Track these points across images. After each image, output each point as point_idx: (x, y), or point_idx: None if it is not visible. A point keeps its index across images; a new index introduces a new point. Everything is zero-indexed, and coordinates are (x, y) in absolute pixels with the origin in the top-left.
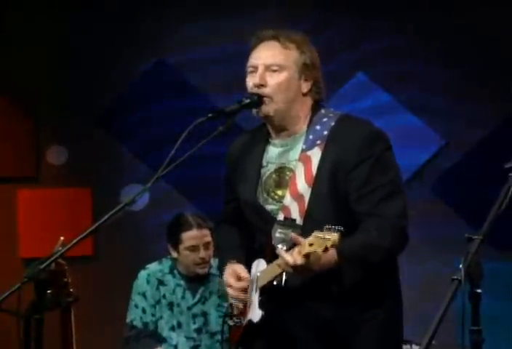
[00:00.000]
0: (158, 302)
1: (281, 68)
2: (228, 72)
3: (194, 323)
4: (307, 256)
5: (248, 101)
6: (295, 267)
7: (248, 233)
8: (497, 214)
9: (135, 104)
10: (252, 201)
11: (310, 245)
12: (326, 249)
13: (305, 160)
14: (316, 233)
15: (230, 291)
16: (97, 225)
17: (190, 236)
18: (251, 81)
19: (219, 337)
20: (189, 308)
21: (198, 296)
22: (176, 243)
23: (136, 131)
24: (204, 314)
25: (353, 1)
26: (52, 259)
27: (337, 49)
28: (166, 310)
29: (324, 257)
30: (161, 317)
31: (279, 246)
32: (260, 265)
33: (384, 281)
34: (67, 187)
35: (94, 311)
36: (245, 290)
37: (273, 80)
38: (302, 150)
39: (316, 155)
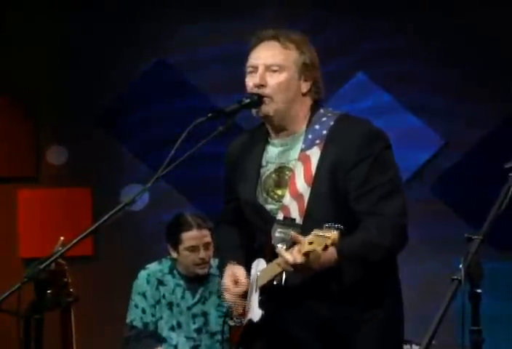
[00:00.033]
0: (158, 302)
1: (281, 68)
2: (228, 72)
3: (194, 323)
4: (306, 254)
5: (248, 101)
6: (295, 266)
7: (248, 233)
8: (497, 214)
9: (135, 104)
10: (251, 200)
11: (310, 243)
12: (325, 248)
13: (304, 159)
14: (316, 232)
15: (226, 295)
16: (97, 225)
17: (190, 236)
18: (251, 81)
19: (219, 336)
20: (189, 308)
21: (197, 296)
22: (176, 243)
23: (136, 131)
24: (204, 314)
25: (353, 1)
26: (52, 259)
27: (337, 49)
28: (166, 310)
29: (323, 256)
30: (160, 317)
31: (279, 245)
32: (260, 265)
33: (384, 279)
34: (67, 187)
35: (94, 311)
36: (242, 295)
37: (273, 80)
38: (302, 150)
39: (315, 154)
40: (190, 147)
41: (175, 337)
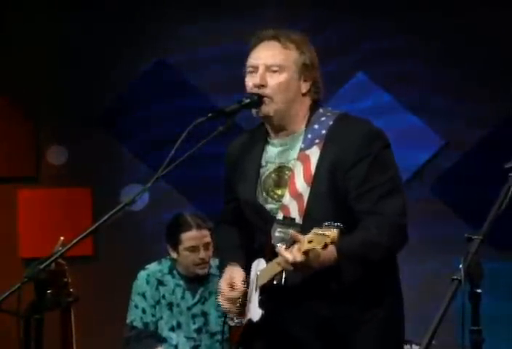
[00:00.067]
0: (158, 302)
1: (281, 69)
2: (228, 72)
3: (194, 323)
4: (306, 253)
5: (248, 101)
6: (295, 265)
7: (248, 233)
8: (497, 214)
9: (135, 104)
10: (251, 200)
11: (310, 242)
12: (325, 246)
13: (303, 159)
14: (315, 230)
15: (220, 299)
16: (97, 225)
17: (189, 237)
18: (251, 81)
19: (219, 336)
20: (189, 308)
21: (197, 296)
22: (175, 243)
23: (136, 131)
24: (204, 314)
25: (353, 1)
26: (52, 259)
27: (337, 49)
28: (166, 311)
29: (323, 254)
30: (160, 317)
31: (279, 244)
32: (260, 265)
33: (384, 279)
34: (67, 187)
35: (94, 311)
36: (236, 300)
37: (274, 80)
38: (301, 150)
39: (314, 154)
40: (190, 147)
41: (175, 337)
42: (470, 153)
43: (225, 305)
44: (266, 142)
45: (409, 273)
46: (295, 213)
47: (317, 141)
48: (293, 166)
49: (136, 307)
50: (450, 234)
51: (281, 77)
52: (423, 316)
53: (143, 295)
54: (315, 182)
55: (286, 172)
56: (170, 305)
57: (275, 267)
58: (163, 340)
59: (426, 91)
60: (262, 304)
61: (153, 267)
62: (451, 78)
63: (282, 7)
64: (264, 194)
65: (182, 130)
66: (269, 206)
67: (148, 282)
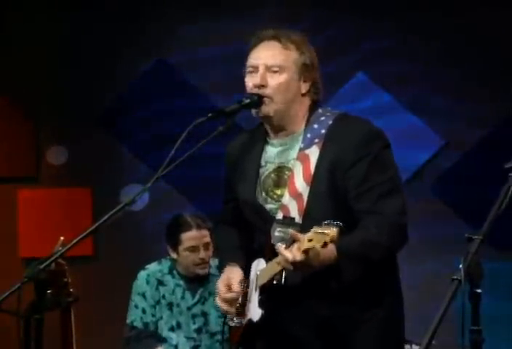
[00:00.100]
0: (158, 302)
1: (281, 69)
2: (228, 72)
3: (194, 323)
4: (306, 252)
5: (248, 101)
6: (295, 264)
7: (247, 233)
8: (497, 214)
9: (135, 104)
10: (251, 200)
11: (309, 241)
12: (325, 245)
13: (303, 159)
14: (315, 229)
15: (217, 300)
16: (97, 225)
17: (189, 237)
18: (251, 81)
19: (219, 337)
20: (189, 308)
21: (197, 296)
22: (175, 243)
23: (136, 131)
24: (204, 314)
25: (353, 1)
26: (52, 259)
27: (337, 48)
28: (166, 311)
29: (323, 253)
30: (160, 317)
31: (278, 244)
32: (259, 265)
33: (384, 279)
34: (67, 187)
35: (94, 311)
36: (233, 301)
37: (274, 81)
38: (300, 149)
39: (314, 153)
40: (190, 147)
41: (175, 337)
42: (470, 153)
43: (222, 305)
44: (265, 142)
45: (409, 273)
46: (295, 213)
47: (316, 141)
48: (292, 165)
49: (136, 307)
50: (450, 234)
51: (282, 77)
52: (423, 316)
53: (143, 295)
54: (314, 182)
55: (286, 172)
56: (170, 305)
57: (275, 266)
58: (163, 340)
59: (426, 91)
60: (262, 304)
61: (153, 267)
62: (451, 78)
63: (282, 7)
64: (263, 194)
65: (182, 130)
66: (269, 206)
67: (147, 282)
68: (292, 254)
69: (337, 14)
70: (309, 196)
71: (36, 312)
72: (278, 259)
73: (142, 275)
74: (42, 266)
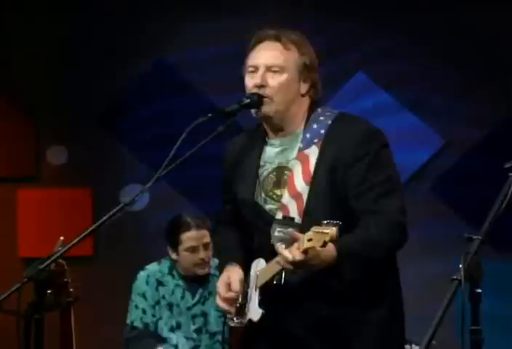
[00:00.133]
0: (158, 302)
1: (281, 69)
2: (228, 72)
3: (194, 323)
4: (305, 251)
5: (248, 101)
6: (294, 264)
7: (247, 233)
8: (497, 214)
9: (135, 104)
10: (250, 201)
11: (309, 240)
12: (324, 244)
13: (302, 159)
14: (315, 228)
15: (217, 299)
16: (97, 225)
17: (189, 237)
18: (251, 81)
19: (219, 337)
20: (188, 309)
21: (197, 296)
22: (175, 244)
23: (136, 131)
24: (204, 314)
25: (353, 1)
26: (52, 259)
27: (337, 48)
28: (166, 311)
29: (322, 253)
30: (160, 318)
31: (278, 244)
32: (259, 265)
33: (384, 279)
34: (67, 187)
35: (94, 311)
36: (233, 301)
37: (274, 81)
38: (300, 149)
39: (313, 153)
40: (190, 147)
41: (175, 338)
42: (470, 153)
43: (222, 305)
44: (265, 143)
45: (409, 273)
46: (294, 213)
47: (316, 140)
48: (292, 166)
49: (136, 307)
50: (450, 234)
51: (282, 77)
52: (423, 316)
53: (143, 295)
54: (314, 182)
55: (286, 172)
56: (170, 306)
57: (274, 266)
58: (163, 340)
59: (426, 91)
60: (262, 304)
61: (152, 267)
62: (451, 78)
63: (282, 7)
64: (263, 194)
65: (182, 130)
66: (268, 207)
67: (147, 282)
68: (291, 253)
69: (338, 14)
70: (309, 196)
71: (36, 312)
72: (278, 259)
73: (141, 275)
74: (42, 266)
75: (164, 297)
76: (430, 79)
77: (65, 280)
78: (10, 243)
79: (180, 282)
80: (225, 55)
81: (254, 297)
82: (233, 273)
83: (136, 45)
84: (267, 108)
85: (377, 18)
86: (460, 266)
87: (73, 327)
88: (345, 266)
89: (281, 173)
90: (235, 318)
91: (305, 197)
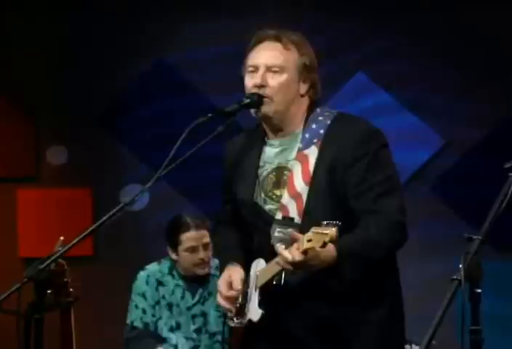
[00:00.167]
0: (158, 302)
1: (281, 69)
2: (228, 72)
3: (194, 323)
4: (305, 252)
5: (248, 101)
6: (294, 264)
7: (247, 233)
8: (497, 214)
9: (135, 104)
10: (250, 201)
11: (309, 241)
12: (324, 245)
13: (302, 159)
14: (314, 229)
15: (218, 298)
16: (97, 225)
17: (189, 237)
18: (251, 81)
19: (218, 337)
20: (188, 309)
21: (197, 296)
22: (175, 244)
23: (136, 131)
24: (204, 314)
25: (353, 1)
26: (52, 259)
27: (337, 49)
28: (166, 311)
29: (322, 253)
30: (160, 317)
31: (278, 244)
32: (259, 265)
33: (384, 279)
34: (67, 187)
35: (94, 311)
36: (234, 299)
37: (274, 81)
38: (299, 149)
39: (312, 153)
40: (190, 148)
41: (175, 338)
42: (470, 153)
43: (223, 303)
44: (264, 143)
45: (409, 273)
46: (294, 213)
47: (315, 141)
48: (291, 166)
49: (136, 307)
50: (450, 234)
51: (282, 78)
52: (423, 316)
53: (143, 295)
54: (314, 182)
55: (285, 172)
56: (170, 306)
57: (274, 267)
58: (163, 340)
59: (426, 91)
60: (261, 304)
61: (152, 267)
62: (451, 78)
63: (282, 7)
64: (263, 195)
65: (182, 130)
66: (268, 207)
67: (147, 282)
68: (291, 254)
69: (338, 14)
70: (308, 196)
71: (36, 312)
72: (278, 259)
73: (141, 275)
74: (42, 266)
75: (163, 297)
76: (430, 79)
77: (65, 280)
78: (10, 243)
79: (180, 282)
80: (225, 55)
81: (254, 297)
82: (235, 272)
83: (136, 45)
84: (267, 108)
85: (377, 18)
86: (460, 266)
87: (73, 327)
88: (345, 266)
89: (281, 173)
90: (235, 318)
91: (304, 197)
